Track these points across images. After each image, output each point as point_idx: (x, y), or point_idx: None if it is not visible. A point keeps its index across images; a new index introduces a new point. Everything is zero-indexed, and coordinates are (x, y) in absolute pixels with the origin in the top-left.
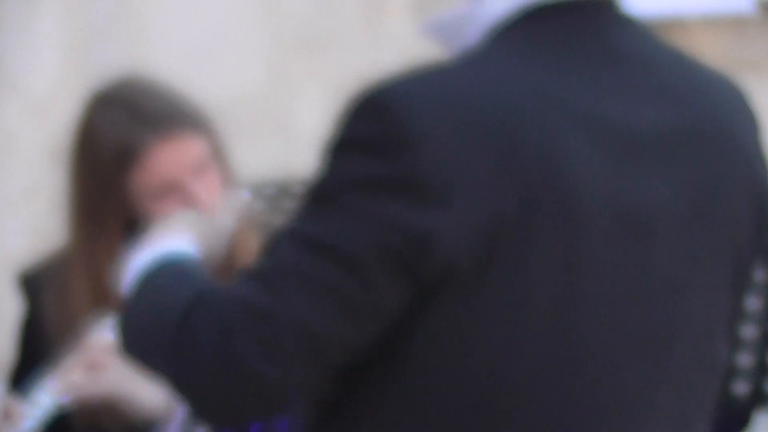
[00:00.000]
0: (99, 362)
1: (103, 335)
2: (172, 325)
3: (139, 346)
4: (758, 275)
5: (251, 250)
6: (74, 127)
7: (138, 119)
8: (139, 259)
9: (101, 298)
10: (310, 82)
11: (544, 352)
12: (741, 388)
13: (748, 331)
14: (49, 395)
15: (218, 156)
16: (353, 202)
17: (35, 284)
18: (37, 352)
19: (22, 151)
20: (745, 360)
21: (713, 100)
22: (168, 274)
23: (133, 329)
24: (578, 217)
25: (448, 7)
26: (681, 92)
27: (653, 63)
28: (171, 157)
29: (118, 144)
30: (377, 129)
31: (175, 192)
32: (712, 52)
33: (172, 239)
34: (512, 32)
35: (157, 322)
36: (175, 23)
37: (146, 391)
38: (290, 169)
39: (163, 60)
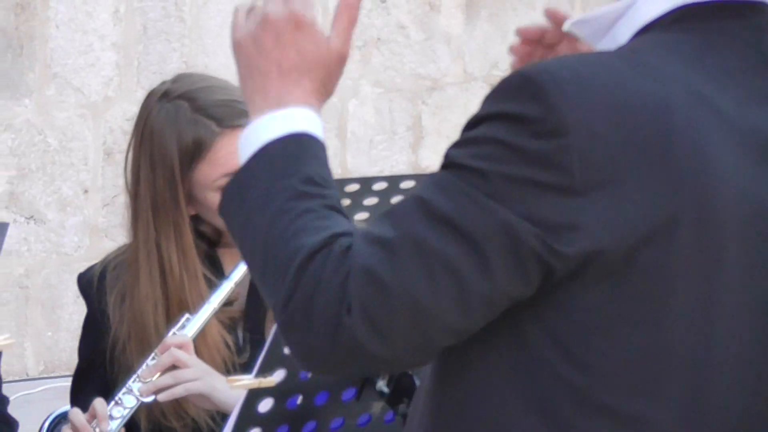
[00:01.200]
0: (180, 361)
1: (181, 334)
2: (294, 254)
3: (248, 240)
4: None
5: None
6: (135, 126)
7: (201, 113)
8: (270, 129)
9: (169, 295)
10: (364, 80)
11: (680, 352)
12: None
13: None
14: (133, 396)
15: None
16: (495, 180)
17: (97, 285)
18: (100, 352)
19: (78, 150)
20: None
21: None
22: (307, 175)
23: (248, 221)
24: (721, 221)
25: (605, 4)
26: None
27: None
28: (235, 148)
29: (183, 138)
30: (531, 109)
31: None
32: None
33: (306, 113)
34: (666, 31)
35: (278, 235)
36: (228, 22)
37: (224, 385)
38: (344, 168)
39: (217, 59)
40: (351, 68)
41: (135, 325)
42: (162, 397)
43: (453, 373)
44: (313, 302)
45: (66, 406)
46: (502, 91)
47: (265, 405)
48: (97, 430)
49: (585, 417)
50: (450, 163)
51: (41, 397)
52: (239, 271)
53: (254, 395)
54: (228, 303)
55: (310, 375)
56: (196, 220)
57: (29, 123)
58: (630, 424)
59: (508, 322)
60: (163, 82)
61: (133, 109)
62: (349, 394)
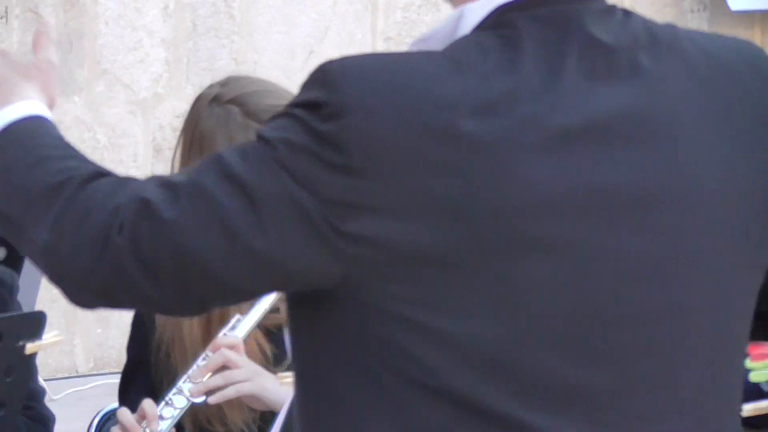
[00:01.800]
0: (231, 362)
1: (231, 334)
2: (69, 181)
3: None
4: None
5: None
6: (184, 128)
7: (252, 117)
8: (8, 115)
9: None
10: None
11: (496, 338)
12: None
13: None
14: (183, 396)
15: None
16: (287, 154)
17: None
18: (147, 353)
19: (128, 147)
20: None
21: (721, 73)
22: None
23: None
24: (520, 208)
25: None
26: (664, 73)
27: (632, 48)
28: None
29: (235, 143)
30: (320, 94)
31: None
32: None
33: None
34: (481, 30)
35: (45, 173)
36: (278, 19)
37: (274, 385)
38: None
39: (267, 56)
40: None
41: (176, 329)
42: (213, 399)
43: (308, 381)
44: (84, 221)
45: (116, 403)
46: (304, 82)
47: None
48: (147, 430)
49: (432, 408)
50: (255, 137)
51: (91, 393)
52: None
53: None
54: (274, 310)
55: None
56: None
57: (79, 120)
58: (468, 408)
59: (343, 324)
60: (212, 86)
61: (183, 106)
62: None
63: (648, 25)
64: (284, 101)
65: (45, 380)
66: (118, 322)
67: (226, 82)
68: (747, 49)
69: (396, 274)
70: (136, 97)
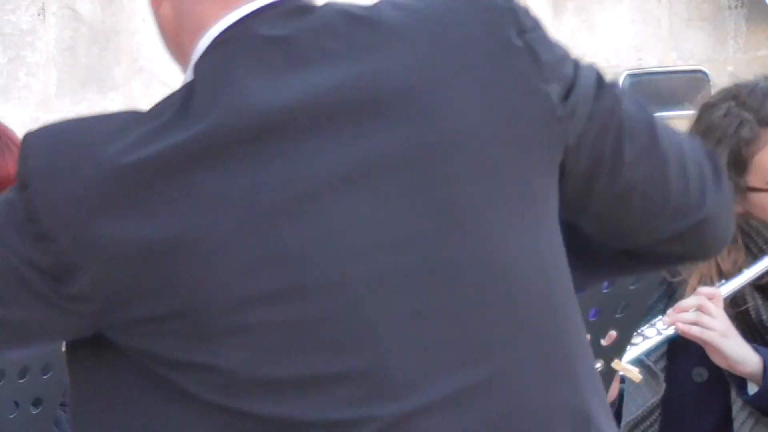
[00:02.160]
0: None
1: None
2: None
3: None
4: None
5: None
6: None
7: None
8: None
9: None
10: None
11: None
12: None
13: None
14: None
15: None
16: (1, 232)
17: None
18: None
19: None
20: None
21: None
22: None
23: None
24: (207, 214)
25: None
26: (370, 47)
27: (321, 33)
28: None
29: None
30: (18, 168)
31: None
32: None
33: None
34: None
35: None
36: None
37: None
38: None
39: None
40: None
41: None
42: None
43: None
44: None
45: None
46: None
47: None
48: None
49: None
50: None
51: None
52: None
53: None
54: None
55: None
56: None
57: None
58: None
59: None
60: None
61: None
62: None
63: (345, 9)
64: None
65: None
66: None
67: None
68: None
69: (132, 320)
70: (169, 91)
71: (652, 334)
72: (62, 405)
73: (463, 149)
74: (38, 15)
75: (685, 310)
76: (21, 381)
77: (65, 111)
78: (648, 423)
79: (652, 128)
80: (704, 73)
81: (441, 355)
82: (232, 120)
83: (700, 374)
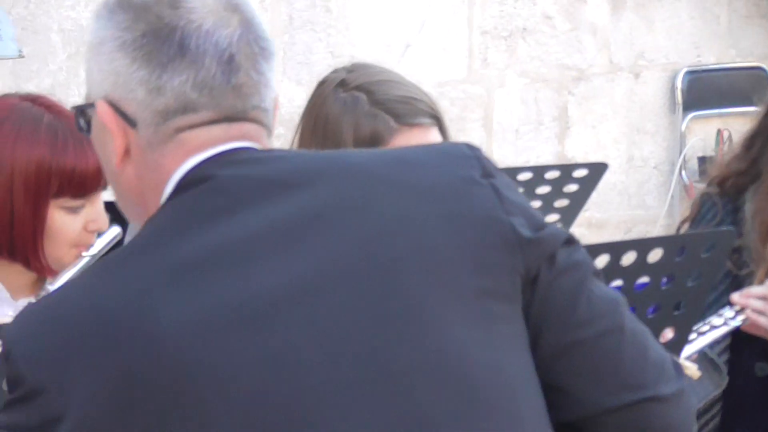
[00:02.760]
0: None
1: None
2: None
3: None
4: None
5: None
6: (306, 113)
7: (380, 107)
8: None
9: None
10: (510, 70)
11: None
12: None
13: None
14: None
15: None
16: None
17: None
18: None
19: None
20: None
21: (361, 175)
22: None
23: None
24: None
25: None
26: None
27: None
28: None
29: (361, 130)
30: (8, 373)
31: None
32: None
33: None
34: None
35: None
36: (375, 12)
37: None
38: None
39: (364, 49)
40: (497, 58)
41: None
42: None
43: None
44: None
45: None
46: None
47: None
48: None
49: None
50: None
51: None
52: None
53: None
54: None
55: None
56: None
57: None
58: None
59: None
60: (337, 70)
61: (279, 99)
62: None
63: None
64: (412, 94)
65: None
66: None
67: (352, 69)
68: (444, 147)
69: None
70: None
71: (718, 323)
72: None
73: (420, 263)
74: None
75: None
76: None
77: None
78: (709, 416)
79: (615, 302)
80: (763, 69)
81: None
82: (184, 254)
83: (763, 369)
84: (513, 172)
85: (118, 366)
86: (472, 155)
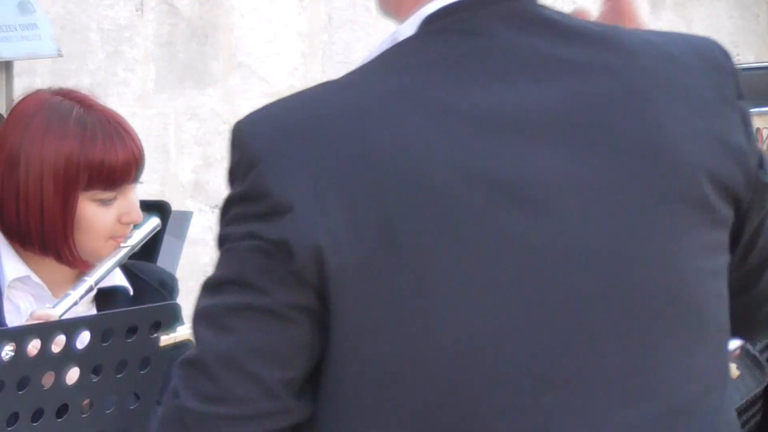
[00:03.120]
0: None
1: None
2: None
3: None
4: None
5: None
6: None
7: None
8: None
9: None
10: None
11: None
12: None
13: None
14: None
15: None
16: (230, 232)
17: None
18: None
19: None
20: None
21: (634, 70)
22: None
23: None
24: (441, 197)
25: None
26: (584, 70)
27: (559, 43)
28: None
29: None
30: (235, 156)
31: None
32: None
33: None
34: (399, 46)
35: None
36: None
37: None
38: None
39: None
40: None
41: None
42: None
43: None
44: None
45: None
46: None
47: None
48: None
49: None
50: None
51: None
52: None
53: None
54: None
55: None
56: None
57: (214, 112)
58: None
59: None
60: None
61: None
62: None
63: (582, 22)
64: None
65: None
66: None
67: None
68: (696, 40)
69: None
70: (271, 89)
71: None
72: (158, 403)
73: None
74: (136, 11)
75: None
76: (119, 376)
77: (163, 107)
78: (751, 413)
79: None
80: None
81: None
82: (465, 103)
83: None
84: None
85: (365, 167)
86: (730, 70)
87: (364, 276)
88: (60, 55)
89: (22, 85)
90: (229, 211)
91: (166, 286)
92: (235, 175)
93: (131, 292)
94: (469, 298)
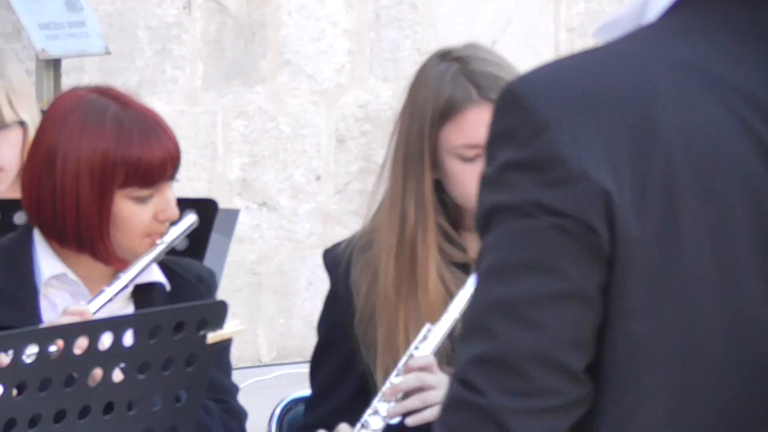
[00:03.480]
0: (427, 384)
1: (424, 356)
2: None
3: None
4: None
5: None
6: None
7: (467, 76)
8: None
9: (404, 244)
10: None
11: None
12: None
13: None
14: (379, 417)
15: None
16: (508, 201)
17: (342, 259)
18: (341, 327)
19: (311, 137)
20: None
21: None
22: None
23: None
24: (725, 187)
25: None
26: None
27: None
28: (485, 122)
29: (441, 95)
30: (514, 119)
31: (480, 156)
32: None
33: None
34: (675, 10)
35: None
36: (461, 9)
37: None
38: None
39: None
40: None
41: (377, 299)
42: (410, 421)
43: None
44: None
45: (298, 392)
46: (495, 110)
47: None
48: None
49: None
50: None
51: (273, 383)
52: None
53: None
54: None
55: None
56: (439, 188)
57: (261, 110)
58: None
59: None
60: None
61: (365, 96)
62: None
63: None
64: (504, 75)
65: None
66: (301, 312)
67: (466, 44)
68: None
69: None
70: (319, 87)
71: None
72: (221, 402)
73: None
74: (184, 8)
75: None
76: (165, 373)
77: (210, 104)
78: None
79: None
80: None
81: None
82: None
83: None
84: None
85: (653, 140)
86: None
87: (647, 256)
88: (108, 53)
89: (70, 83)
90: (504, 177)
91: (204, 281)
92: (512, 139)
93: (168, 288)
94: None
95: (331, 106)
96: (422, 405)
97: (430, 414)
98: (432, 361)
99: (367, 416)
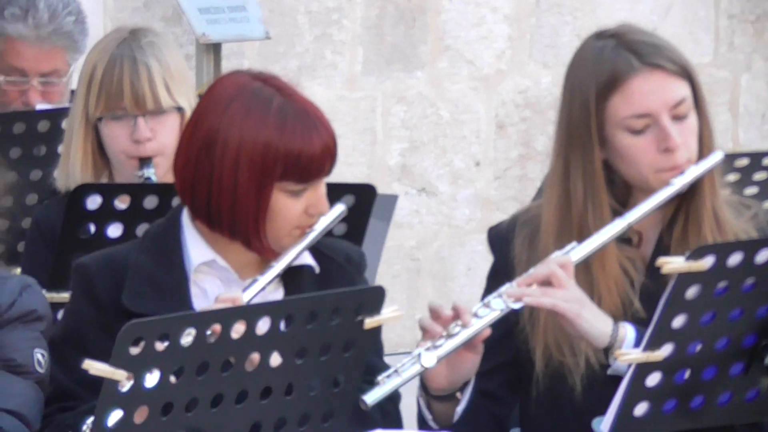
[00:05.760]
0: (556, 277)
1: (565, 256)
2: None
3: None
4: None
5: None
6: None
7: (625, 47)
8: None
9: (571, 222)
10: (757, 54)
11: None
12: None
13: None
14: (501, 300)
15: (699, 111)
16: None
17: (506, 234)
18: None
19: (470, 123)
20: None
21: None
22: None
23: None
24: None
25: None
26: None
27: None
28: (652, 88)
29: (602, 70)
30: None
31: (650, 127)
32: None
33: None
34: None
35: None
36: None
37: (593, 316)
38: (735, 142)
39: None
40: (744, 42)
41: (534, 255)
42: (528, 300)
43: None
44: None
45: None
46: None
47: (654, 379)
48: (457, 326)
49: None
50: None
51: None
52: (636, 212)
53: (643, 369)
54: (627, 240)
55: (698, 349)
56: (607, 169)
57: (421, 95)
58: None
59: None
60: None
61: (525, 82)
62: (736, 368)
63: None
64: (664, 45)
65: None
66: (460, 298)
67: (617, 26)
68: None
69: None
70: (479, 73)
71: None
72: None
73: None
74: None
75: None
76: (323, 359)
77: (371, 89)
78: None
79: None
80: None
81: None
82: None
83: None
84: (730, 158)
85: None
86: None
87: None
88: (268, 38)
89: (230, 68)
90: None
91: (353, 262)
92: None
93: (317, 270)
94: None
95: (491, 92)
96: (542, 295)
97: (549, 302)
98: (570, 262)
99: (491, 297)
